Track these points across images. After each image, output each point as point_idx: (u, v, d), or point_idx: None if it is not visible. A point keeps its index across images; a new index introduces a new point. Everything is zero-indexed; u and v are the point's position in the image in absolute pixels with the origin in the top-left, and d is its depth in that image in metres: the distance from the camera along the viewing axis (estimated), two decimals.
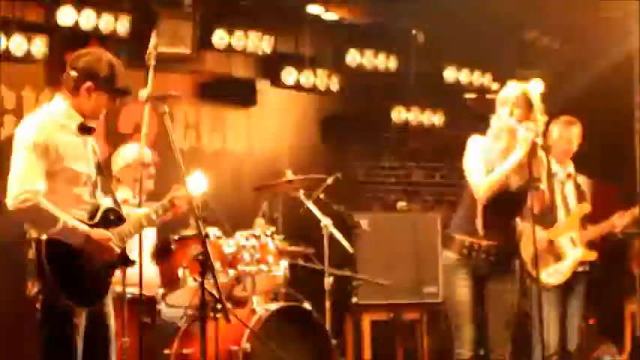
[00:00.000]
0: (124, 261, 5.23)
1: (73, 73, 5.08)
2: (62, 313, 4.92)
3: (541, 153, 6.05)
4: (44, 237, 4.88)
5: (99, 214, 5.11)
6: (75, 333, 4.96)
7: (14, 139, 5.03)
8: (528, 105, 6.07)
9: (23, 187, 4.85)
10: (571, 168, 7.52)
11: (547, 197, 6.25)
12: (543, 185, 6.13)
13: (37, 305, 4.97)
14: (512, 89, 6.15)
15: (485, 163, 6.12)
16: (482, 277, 6.26)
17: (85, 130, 5.11)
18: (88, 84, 5.06)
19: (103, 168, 5.30)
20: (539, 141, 5.92)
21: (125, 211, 5.34)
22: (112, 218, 5.17)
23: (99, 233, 5.02)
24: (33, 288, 4.93)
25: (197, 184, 5.87)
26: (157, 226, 5.87)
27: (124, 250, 5.19)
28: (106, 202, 5.21)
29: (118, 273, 5.29)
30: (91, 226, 5.04)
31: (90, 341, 5.04)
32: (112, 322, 5.20)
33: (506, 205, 6.15)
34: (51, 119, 5.05)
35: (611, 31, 9.22)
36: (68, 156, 5.01)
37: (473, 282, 6.22)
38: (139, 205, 5.58)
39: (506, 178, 6.07)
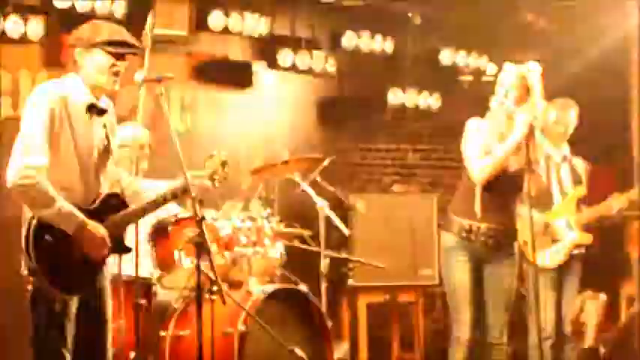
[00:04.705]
0: (120, 248, 5.16)
1: (73, 48, 5.01)
2: (50, 299, 4.85)
3: (538, 135, 6.05)
4: (34, 222, 4.80)
5: (99, 200, 5.04)
6: (64, 319, 4.88)
7: (25, 106, 4.93)
8: (525, 87, 6.07)
9: (24, 162, 4.76)
10: (567, 151, 7.52)
11: (544, 180, 6.26)
12: (541, 168, 6.13)
13: (29, 286, 4.91)
14: (510, 72, 6.14)
15: (483, 146, 6.11)
16: (481, 259, 6.27)
17: (94, 110, 5.02)
18: (87, 49, 4.96)
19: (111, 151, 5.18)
20: (537, 123, 5.90)
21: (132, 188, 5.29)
22: (114, 203, 5.10)
23: (93, 227, 4.90)
24: (25, 269, 4.87)
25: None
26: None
27: (120, 237, 5.12)
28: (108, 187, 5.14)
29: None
30: (90, 211, 4.96)
31: (82, 327, 4.96)
32: (107, 307, 5.11)
33: (504, 187, 6.16)
34: (62, 94, 4.93)
35: (607, 13, 9.21)
36: (74, 136, 4.93)
37: (471, 264, 6.23)
38: None
39: (504, 161, 6.06)
